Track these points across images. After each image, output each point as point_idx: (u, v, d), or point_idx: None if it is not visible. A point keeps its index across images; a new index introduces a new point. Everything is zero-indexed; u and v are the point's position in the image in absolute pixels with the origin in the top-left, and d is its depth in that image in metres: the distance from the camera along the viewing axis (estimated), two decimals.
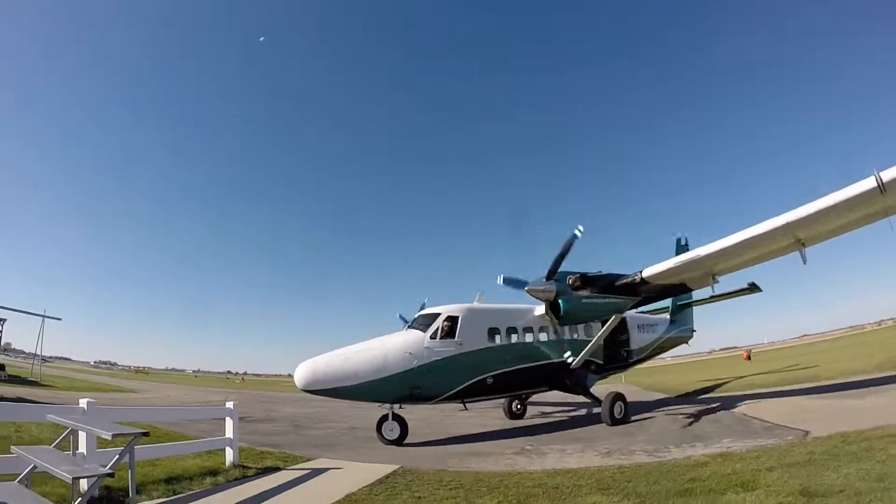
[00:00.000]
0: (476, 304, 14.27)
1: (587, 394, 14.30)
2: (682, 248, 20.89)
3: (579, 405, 19.48)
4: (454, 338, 12.57)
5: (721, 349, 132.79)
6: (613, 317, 13.31)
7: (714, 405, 15.37)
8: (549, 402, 21.06)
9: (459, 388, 12.54)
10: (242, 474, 7.79)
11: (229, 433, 8.65)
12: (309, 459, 9.20)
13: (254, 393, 40.41)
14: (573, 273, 12.33)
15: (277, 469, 8.27)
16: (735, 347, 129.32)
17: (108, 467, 4.47)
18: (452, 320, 12.85)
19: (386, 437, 11.55)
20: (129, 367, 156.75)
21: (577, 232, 12.10)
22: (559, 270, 12.15)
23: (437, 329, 12.57)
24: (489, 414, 17.63)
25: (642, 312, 19.07)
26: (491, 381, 12.96)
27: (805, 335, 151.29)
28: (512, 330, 13.87)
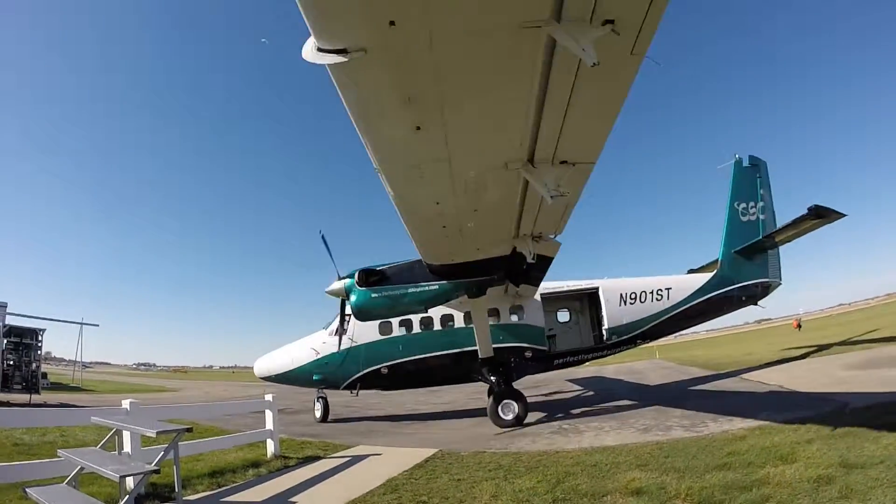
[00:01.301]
0: None
1: (503, 386, 12.01)
2: (744, 170, 16.91)
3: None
4: (346, 333, 13.75)
5: (756, 321, 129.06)
6: (471, 302, 11.85)
7: (749, 378, 15.06)
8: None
9: (354, 377, 13.90)
10: (284, 465, 8.00)
11: (269, 425, 8.86)
12: (349, 447, 9.38)
13: (291, 386, 40.76)
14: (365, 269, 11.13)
15: (318, 458, 8.46)
16: (769, 319, 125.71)
17: (153, 464, 4.59)
18: (347, 317, 13.27)
19: (316, 415, 14.43)
20: (168, 367, 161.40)
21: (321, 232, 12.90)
22: (363, 267, 11.08)
23: (334, 326, 13.89)
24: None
25: (693, 271, 17.17)
26: (387, 370, 13.84)
27: (841, 304, 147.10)
28: (405, 322, 14.01)
